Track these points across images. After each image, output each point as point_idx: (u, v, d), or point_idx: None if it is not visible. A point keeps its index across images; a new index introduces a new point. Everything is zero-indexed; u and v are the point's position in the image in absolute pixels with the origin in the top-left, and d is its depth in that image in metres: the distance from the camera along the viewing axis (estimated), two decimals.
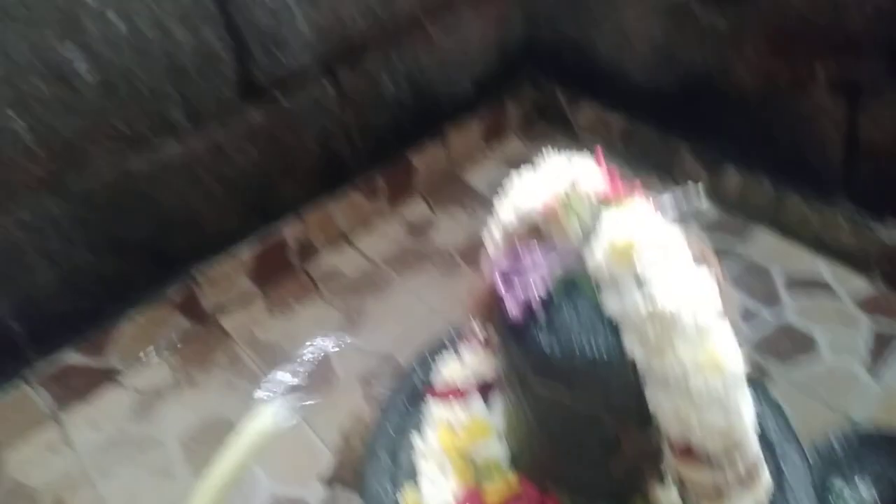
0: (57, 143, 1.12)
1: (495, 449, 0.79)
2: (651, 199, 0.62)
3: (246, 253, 1.43)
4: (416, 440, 0.84)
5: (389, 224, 1.63)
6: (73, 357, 1.26)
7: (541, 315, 0.61)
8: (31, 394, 1.24)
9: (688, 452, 0.60)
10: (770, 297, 1.34)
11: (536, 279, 0.61)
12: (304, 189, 1.48)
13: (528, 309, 0.61)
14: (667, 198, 0.62)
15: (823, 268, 1.39)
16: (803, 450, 0.82)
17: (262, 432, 0.67)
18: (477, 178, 1.74)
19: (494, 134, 1.80)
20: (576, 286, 0.62)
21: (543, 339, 0.62)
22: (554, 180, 0.64)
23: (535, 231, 0.65)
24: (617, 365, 0.61)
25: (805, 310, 1.32)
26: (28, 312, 1.19)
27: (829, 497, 0.95)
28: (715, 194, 1.54)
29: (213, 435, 1.23)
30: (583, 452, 0.69)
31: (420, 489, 0.79)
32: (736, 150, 1.48)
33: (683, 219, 0.62)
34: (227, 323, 1.43)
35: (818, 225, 1.40)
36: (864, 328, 1.27)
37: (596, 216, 0.61)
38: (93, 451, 1.23)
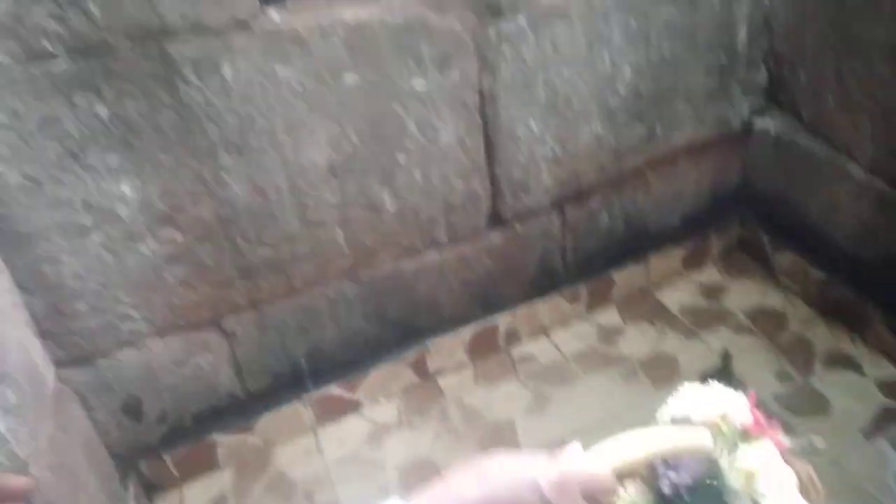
0: (360, 249, 1.58)
1: None
2: (780, 438, 0.89)
3: (467, 333, 1.83)
4: None
5: (583, 326, 1.94)
6: (334, 389, 1.73)
7: (685, 498, 0.90)
8: (302, 410, 1.72)
9: None
10: None
11: (687, 471, 0.90)
12: (520, 291, 1.85)
13: (677, 491, 0.90)
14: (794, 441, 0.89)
15: None
16: None
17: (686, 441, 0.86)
18: (670, 298, 1.98)
19: (694, 262, 2.03)
20: (716, 482, 0.90)
21: None
22: (715, 403, 0.92)
23: None
24: None
25: None
26: (315, 355, 1.67)
27: None
28: None
29: (420, 471, 1.63)
30: None
31: None
32: None
33: (803, 455, 0.89)
34: (443, 383, 1.83)
35: None
36: None
37: (735, 442, 0.89)
38: (335, 461, 1.68)
